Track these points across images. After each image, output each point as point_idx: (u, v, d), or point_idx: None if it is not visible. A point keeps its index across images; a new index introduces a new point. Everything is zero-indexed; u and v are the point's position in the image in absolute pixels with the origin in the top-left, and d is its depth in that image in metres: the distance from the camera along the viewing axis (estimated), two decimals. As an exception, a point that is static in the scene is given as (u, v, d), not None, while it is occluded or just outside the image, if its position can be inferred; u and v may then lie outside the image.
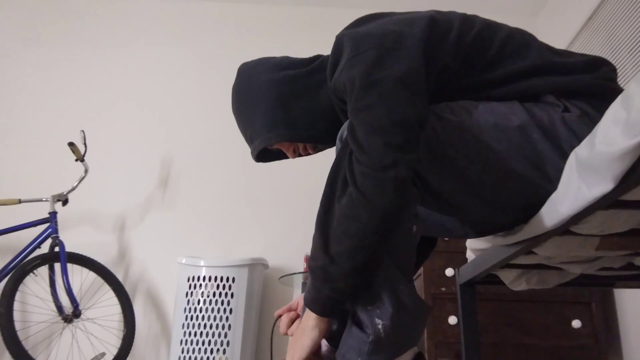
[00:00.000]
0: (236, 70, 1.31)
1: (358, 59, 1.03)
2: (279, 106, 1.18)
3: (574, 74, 1.08)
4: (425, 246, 1.38)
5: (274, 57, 1.26)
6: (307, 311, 1.03)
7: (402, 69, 1.01)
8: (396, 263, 1.01)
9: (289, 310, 1.22)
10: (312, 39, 3.50)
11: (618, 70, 2.49)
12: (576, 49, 2.96)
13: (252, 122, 1.21)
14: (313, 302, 1.01)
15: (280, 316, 1.16)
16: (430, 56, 1.06)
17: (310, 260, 1.01)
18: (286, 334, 1.17)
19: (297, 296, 1.27)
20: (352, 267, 0.96)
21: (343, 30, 1.15)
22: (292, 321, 1.21)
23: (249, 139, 1.23)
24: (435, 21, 1.10)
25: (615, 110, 0.82)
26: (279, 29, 3.61)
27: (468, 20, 1.13)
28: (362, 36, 1.07)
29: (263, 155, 1.31)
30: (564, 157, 1.01)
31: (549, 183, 1.03)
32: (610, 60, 2.65)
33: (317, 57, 1.25)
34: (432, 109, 1.06)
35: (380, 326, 0.99)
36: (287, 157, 1.31)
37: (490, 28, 1.13)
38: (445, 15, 1.13)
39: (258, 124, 1.19)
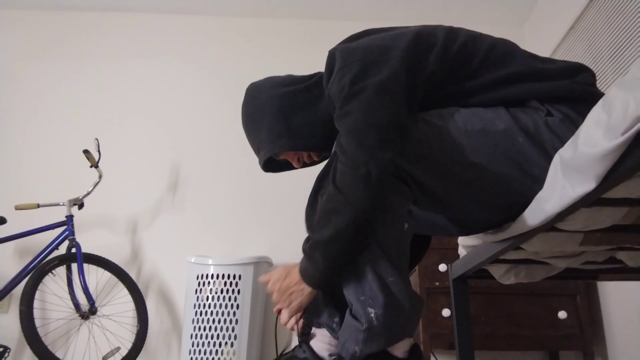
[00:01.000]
0: (238, 81, 1.37)
1: (345, 70, 1.07)
2: (281, 119, 1.21)
3: (555, 80, 1.09)
4: (420, 246, 1.38)
5: (279, 76, 1.30)
6: (298, 274, 1.09)
7: (383, 77, 1.04)
8: (388, 257, 1.02)
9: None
10: (312, 50, 3.50)
11: (599, 76, 2.49)
12: (559, 56, 2.96)
13: (258, 134, 1.24)
14: (303, 272, 1.08)
15: (279, 311, 1.17)
16: (416, 65, 1.08)
17: (303, 244, 1.08)
18: (287, 326, 1.19)
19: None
20: (328, 253, 1.01)
21: (336, 45, 1.17)
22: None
23: (257, 151, 1.27)
24: (420, 35, 1.12)
25: (596, 114, 0.83)
26: (280, 41, 3.61)
27: (453, 33, 1.15)
28: (350, 50, 1.10)
29: (271, 165, 1.33)
30: (548, 158, 1.01)
31: (535, 183, 1.03)
32: (592, 67, 2.65)
33: (317, 74, 1.27)
34: (422, 116, 1.08)
35: (372, 315, 1.00)
36: (293, 168, 1.33)
37: (475, 39, 1.15)
38: (430, 29, 1.15)
39: (263, 136, 1.23)
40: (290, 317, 1.12)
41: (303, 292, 1.09)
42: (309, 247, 1.05)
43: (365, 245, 1.03)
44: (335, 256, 1.02)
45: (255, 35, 3.63)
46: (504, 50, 1.13)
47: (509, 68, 1.10)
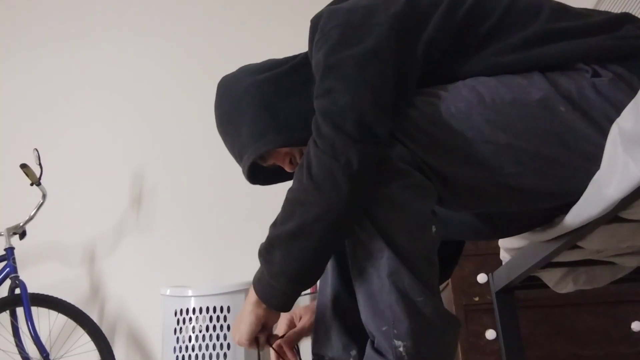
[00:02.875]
0: (216, 64, 1.35)
1: (323, 40, 1.09)
2: (264, 111, 1.21)
3: (592, 36, 1.09)
4: (448, 256, 1.38)
5: (255, 63, 1.29)
6: (250, 289, 1.10)
7: (366, 46, 1.05)
8: (414, 271, 1.02)
9: (289, 326, 1.23)
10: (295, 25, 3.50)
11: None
12: (606, 6, 2.96)
13: (238, 136, 1.24)
14: (257, 282, 1.09)
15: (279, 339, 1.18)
16: (411, 32, 1.09)
17: (260, 246, 1.09)
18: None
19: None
20: (289, 252, 1.02)
21: (321, 10, 1.17)
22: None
23: (238, 157, 1.26)
24: None
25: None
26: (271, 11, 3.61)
27: None
28: (330, 14, 1.12)
29: (258, 175, 1.31)
30: (601, 130, 1.01)
31: (587, 162, 1.03)
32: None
33: (303, 53, 1.27)
34: (431, 91, 1.09)
35: (401, 348, 0.99)
36: (286, 178, 1.32)
37: None
38: None
39: (244, 137, 1.22)
40: (247, 344, 1.13)
41: (253, 309, 1.10)
42: (265, 245, 1.06)
43: (333, 252, 1.05)
44: (298, 257, 1.02)
45: (234, 15, 3.63)
46: (529, 2, 1.14)
47: (536, 24, 1.11)
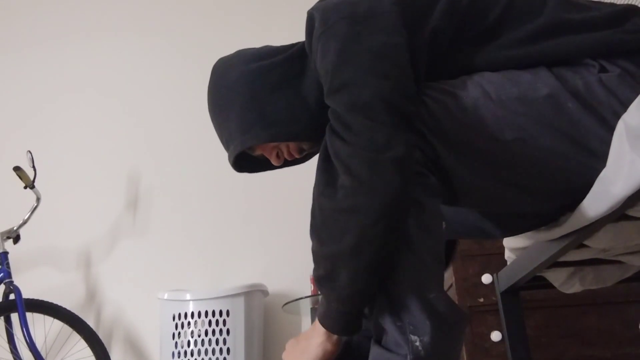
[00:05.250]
0: (212, 60, 1.35)
1: (329, 33, 1.08)
2: (252, 104, 1.21)
3: (599, 30, 1.09)
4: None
5: (252, 48, 1.29)
6: (317, 323, 1.07)
7: (380, 40, 1.05)
8: (427, 267, 1.03)
9: None
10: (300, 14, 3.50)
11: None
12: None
13: (226, 125, 1.24)
14: (323, 316, 1.05)
15: None
16: (416, 21, 1.09)
17: (314, 270, 1.06)
18: None
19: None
20: (356, 267, 0.99)
21: (316, 3, 1.18)
22: None
23: (225, 145, 1.27)
24: None
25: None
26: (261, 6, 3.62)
27: None
28: (332, 6, 1.11)
29: (245, 163, 1.32)
30: (608, 126, 1.02)
31: (594, 160, 1.03)
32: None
33: (300, 42, 1.27)
34: (436, 86, 1.09)
35: (418, 343, 1.00)
36: (273, 167, 1.33)
37: None
38: None
39: (232, 127, 1.22)
40: None
41: (322, 341, 1.07)
42: (322, 272, 1.02)
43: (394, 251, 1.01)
44: (367, 268, 0.99)
45: (232, 8, 3.63)
46: None
47: (540, 18, 1.11)
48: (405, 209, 1.01)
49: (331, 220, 1.02)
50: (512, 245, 1.49)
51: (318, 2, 1.17)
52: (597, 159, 1.02)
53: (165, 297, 2.75)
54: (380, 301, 1.04)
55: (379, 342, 1.06)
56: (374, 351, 1.06)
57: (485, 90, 1.06)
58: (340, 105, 1.04)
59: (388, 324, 1.03)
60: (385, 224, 0.98)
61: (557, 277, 1.49)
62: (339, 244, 1.00)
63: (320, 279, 1.04)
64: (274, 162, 1.29)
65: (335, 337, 1.07)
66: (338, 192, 1.01)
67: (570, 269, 1.46)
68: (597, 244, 1.18)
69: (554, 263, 1.35)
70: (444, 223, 1.08)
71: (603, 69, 1.06)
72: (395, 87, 1.02)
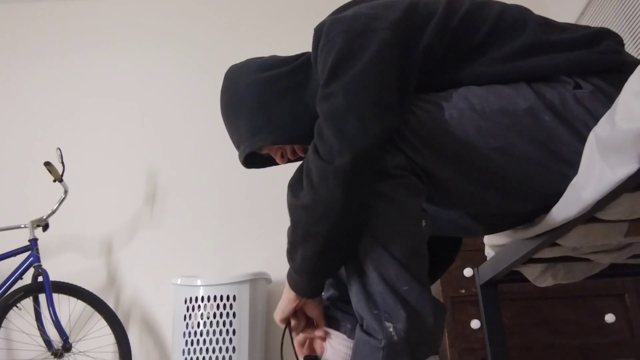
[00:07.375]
0: (223, 67, 1.37)
1: (329, 46, 1.09)
2: (260, 109, 1.22)
3: (574, 50, 1.09)
4: (447, 249, 1.38)
5: (260, 58, 1.30)
6: (285, 282, 1.16)
7: (369, 55, 1.05)
8: (399, 262, 1.02)
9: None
10: (305, 25, 3.49)
11: (634, 40, 2.49)
12: (588, 19, 2.96)
13: (237, 127, 1.26)
14: (287, 276, 1.14)
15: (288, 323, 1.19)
16: (410, 39, 1.09)
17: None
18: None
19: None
20: (305, 254, 1.05)
21: (324, 19, 1.18)
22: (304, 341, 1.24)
23: (236, 145, 1.29)
24: (416, 4, 1.13)
25: (635, 83, 0.82)
26: (270, 16, 3.61)
27: (456, 1, 1.16)
28: (334, 21, 1.12)
29: (253, 161, 1.34)
30: (580, 138, 1.02)
31: (568, 168, 1.03)
32: (625, 30, 2.64)
33: (305, 54, 1.28)
34: (426, 98, 1.09)
35: (391, 329, 1.00)
36: (278, 163, 1.34)
37: (481, 6, 1.16)
38: None
39: (242, 130, 1.24)
40: (280, 319, 1.19)
41: (288, 293, 1.15)
42: (288, 247, 1.09)
43: (346, 247, 1.05)
44: (312, 256, 1.06)
45: (242, 18, 3.63)
46: (515, 17, 1.14)
47: (521, 38, 1.11)
48: (355, 216, 1.02)
49: (291, 212, 1.06)
50: (491, 242, 1.49)
51: (326, 17, 1.18)
52: (569, 166, 1.03)
53: (178, 282, 2.75)
54: (357, 291, 1.05)
55: (362, 325, 1.07)
56: (358, 334, 1.07)
57: (470, 103, 1.06)
58: (322, 113, 1.05)
59: (365, 312, 1.04)
60: (327, 226, 1.01)
61: (531, 272, 1.50)
62: (294, 233, 1.05)
63: (286, 251, 1.10)
64: (278, 161, 1.32)
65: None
66: (301, 190, 1.05)
67: (544, 265, 1.46)
68: (569, 243, 1.18)
69: (529, 259, 1.35)
70: (423, 221, 1.07)
71: (578, 86, 1.06)
72: (371, 99, 1.02)
